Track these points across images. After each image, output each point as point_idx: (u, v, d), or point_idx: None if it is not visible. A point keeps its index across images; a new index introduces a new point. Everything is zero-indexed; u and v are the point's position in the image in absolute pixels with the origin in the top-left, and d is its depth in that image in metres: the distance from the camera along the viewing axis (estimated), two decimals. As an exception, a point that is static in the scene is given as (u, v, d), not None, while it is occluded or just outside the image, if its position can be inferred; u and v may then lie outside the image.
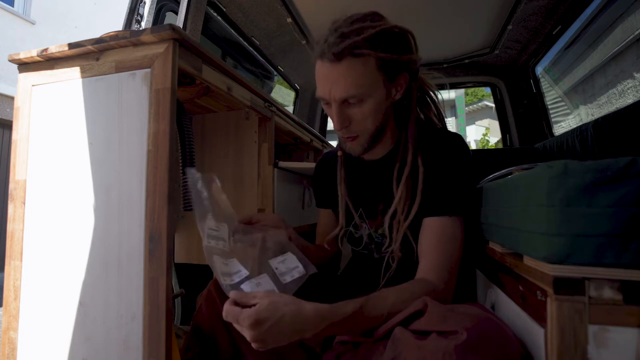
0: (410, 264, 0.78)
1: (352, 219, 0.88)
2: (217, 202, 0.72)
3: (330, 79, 0.69)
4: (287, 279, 0.69)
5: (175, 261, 1.29)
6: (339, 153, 0.88)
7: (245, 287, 0.65)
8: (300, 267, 0.71)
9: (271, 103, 1.26)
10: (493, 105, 2.69)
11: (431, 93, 0.88)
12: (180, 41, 0.77)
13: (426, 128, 0.83)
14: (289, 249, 0.74)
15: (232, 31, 1.92)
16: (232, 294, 0.59)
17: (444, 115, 0.90)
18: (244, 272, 0.68)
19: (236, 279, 0.67)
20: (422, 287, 0.66)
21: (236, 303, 0.57)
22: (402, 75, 0.74)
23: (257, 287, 0.65)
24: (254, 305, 0.55)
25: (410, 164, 0.76)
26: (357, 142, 0.77)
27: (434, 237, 0.73)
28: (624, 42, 2.93)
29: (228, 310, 0.56)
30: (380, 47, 0.68)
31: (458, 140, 0.79)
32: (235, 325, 0.56)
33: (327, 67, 0.69)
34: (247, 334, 0.54)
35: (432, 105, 0.89)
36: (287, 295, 0.58)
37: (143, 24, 1.41)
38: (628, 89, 2.98)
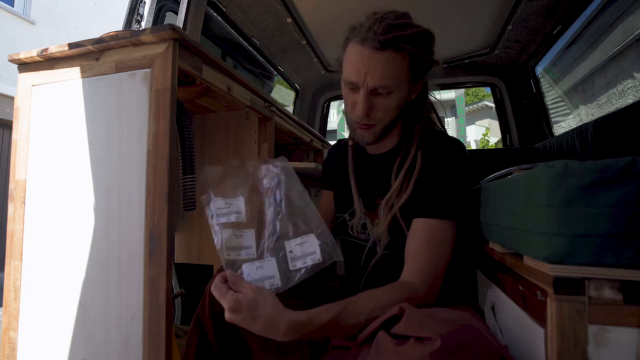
0: (400, 254, 0.78)
1: (350, 207, 0.89)
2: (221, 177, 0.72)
3: (369, 66, 0.72)
4: (298, 264, 0.66)
5: (175, 261, 1.29)
6: (350, 142, 0.91)
7: (246, 267, 0.65)
8: (317, 254, 0.66)
9: (271, 103, 1.26)
10: (493, 105, 2.69)
11: (430, 97, 0.91)
12: (180, 41, 0.77)
13: (427, 129, 0.85)
14: (314, 230, 0.68)
15: (232, 31, 1.92)
16: (228, 273, 0.62)
17: (442, 118, 0.93)
18: (252, 252, 0.67)
19: (243, 255, 0.66)
20: (402, 292, 0.66)
21: (227, 281, 0.61)
22: (422, 80, 0.79)
23: (257, 271, 0.65)
24: (240, 292, 0.59)
25: (412, 158, 0.80)
26: (371, 130, 0.79)
27: (422, 239, 0.74)
28: (624, 42, 2.93)
29: (216, 285, 0.60)
30: (418, 46, 0.73)
31: (458, 145, 0.80)
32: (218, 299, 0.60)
33: (368, 53, 0.71)
34: (225, 311, 0.59)
35: (431, 108, 0.92)
36: (272, 298, 0.60)
37: (143, 24, 1.41)
38: (628, 89, 2.98)
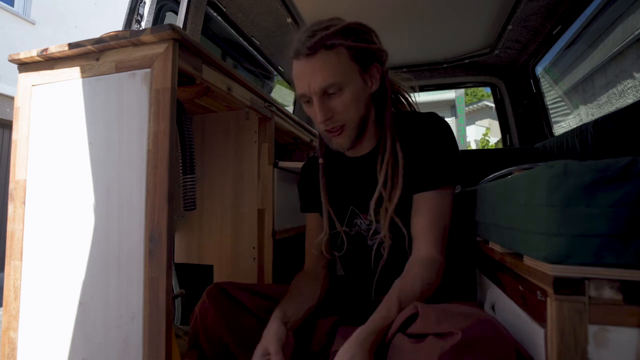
0: (401, 251, 0.78)
1: (344, 219, 0.88)
2: None
3: (308, 73, 0.73)
4: None
5: (175, 261, 1.29)
6: (320, 161, 0.90)
7: None
8: None
9: (271, 103, 1.26)
10: (493, 105, 2.69)
11: (404, 93, 0.91)
12: (180, 41, 0.77)
13: (400, 115, 0.85)
14: None
15: (232, 31, 1.92)
16: None
17: (417, 110, 0.93)
18: None
19: None
20: (431, 268, 0.71)
21: None
22: (374, 66, 0.78)
23: None
24: None
25: (390, 151, 0.79)
26: (344, 134, 0.77)
27: (427, 214, 0.76)
28: (624, 42, 2.93)
29: None
30: (350, 38, 0.73)
31: (432, 116, 0.81)
32: None
33: (302, 63, 0.73)
34: None
35: (406, 103, 0.92)
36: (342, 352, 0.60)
37: (143, 24, 1.41)
38: (628, 89, 2.98)
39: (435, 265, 0.72)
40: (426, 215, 0.76)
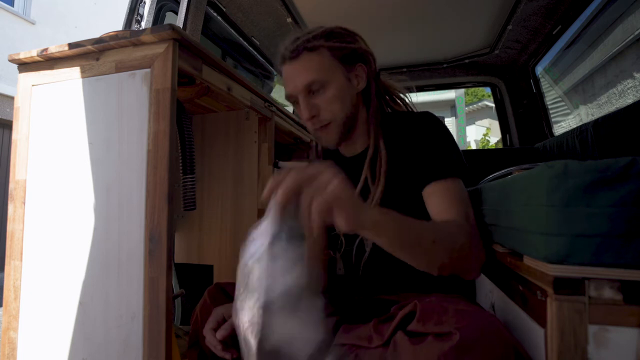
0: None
1: None
2: None
3: (293, 75, 0.77)
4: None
5: (175, 261, 1.29)
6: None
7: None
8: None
9: (271, 103, 1.26)
10: (493, 105, 2.69)
11: (398, 93, 0.92)
12: (180, 41, 0.77)
13: (395, 115, 0.86)
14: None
15: (232, 31, 1.92)
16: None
17: (414, 109, 0.93)
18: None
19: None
20: (449, 222, 0.67)
21: None
22: (358, 65, 0.80)
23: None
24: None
25: (374, 148, 0.80)
26: (330, 130, 0.79)
27: (442, 197, 0.72)
28: (624, 42, 2.93)
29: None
30: (332, 40, 0.77)
31: (427, 114, 0.82)
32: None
33: (287, 66, 0.77)
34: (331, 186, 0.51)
35: (402, 103, 0.92)
36: None
37: (143, 24, 1.41)
38: (628, 89, 2.98)
39: (464, 227, 0.67)
40: (437, 200, 0.73)
